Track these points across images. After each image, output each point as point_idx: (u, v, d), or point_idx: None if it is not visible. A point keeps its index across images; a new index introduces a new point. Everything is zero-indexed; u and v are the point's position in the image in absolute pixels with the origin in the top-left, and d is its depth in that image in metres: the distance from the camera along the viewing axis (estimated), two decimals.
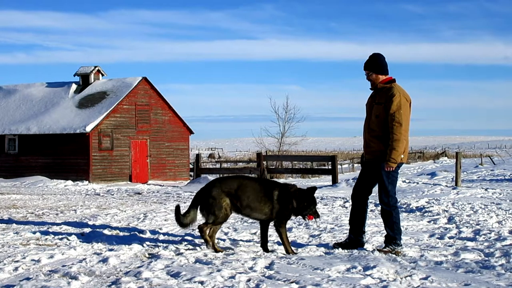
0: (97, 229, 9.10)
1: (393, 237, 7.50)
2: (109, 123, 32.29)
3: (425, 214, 11.30)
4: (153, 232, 8.96)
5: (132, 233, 8.82)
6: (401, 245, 7.53)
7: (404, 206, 12.28)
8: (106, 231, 8.91)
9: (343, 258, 6.97)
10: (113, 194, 18.20)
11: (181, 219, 7.61)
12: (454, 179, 20.05)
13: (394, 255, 7.18)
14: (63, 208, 13.03)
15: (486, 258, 6.99)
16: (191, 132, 36.89)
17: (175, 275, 6.03)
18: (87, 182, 29.21)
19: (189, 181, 28.75)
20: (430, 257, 7.09)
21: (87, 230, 9.09)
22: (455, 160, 20.63)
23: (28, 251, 7.27)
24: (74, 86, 35.07)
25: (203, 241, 7.68)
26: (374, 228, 9.35)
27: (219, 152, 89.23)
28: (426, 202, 12.91)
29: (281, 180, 23.42)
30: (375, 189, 7.78)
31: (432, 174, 26.01)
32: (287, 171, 28.10)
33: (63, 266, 6.46)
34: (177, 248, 7.59)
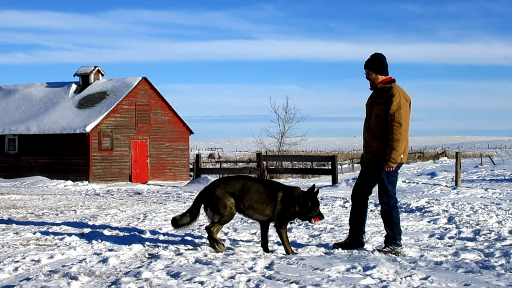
0: (97, 229, 9.09)
1: (393, 237, 7.50)
2: (109, 123, 32.29)
3: (425, 214, 11.29)
4: (153, 232, 8.95)
5: (132, 233, 8.81)
6: (401, 245, 7.54)
7: (404, 206, 12.27)
8: (106, 231, 8.90)
9: (343, 258, 6.97)
10: (113, 194, 18.18)
11: (179, 220, 7.60)
12: (454, 179, 20.04)
13: (394, 255, 7.18)
14: (63, 208, 13.02)
15: (486, 258, 6.99)
16: (191, 132, 36.88)
17: (175, 275, 6.03)
18: (87, 182, 29.20)
19: (189, 181, 28.74)
20: (430, 257, 7.09)
21: (87, 230, 9.08)
22: (455, 160, 20.62)
23: (28, 252, 7.27)
24: (74, 86, 35.08)
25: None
26: (374, 228, 9.35)
27: (219, 152, 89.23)
28: (426, 202, 12.90)
29: (281, 181, 23.42)
30: (375, 189, 7.78)
31: (432, 174, 25.99)
32: (287, 171, 28.13)
33: (63, 266, 6.46)
34: (177, 248, 7.58)
